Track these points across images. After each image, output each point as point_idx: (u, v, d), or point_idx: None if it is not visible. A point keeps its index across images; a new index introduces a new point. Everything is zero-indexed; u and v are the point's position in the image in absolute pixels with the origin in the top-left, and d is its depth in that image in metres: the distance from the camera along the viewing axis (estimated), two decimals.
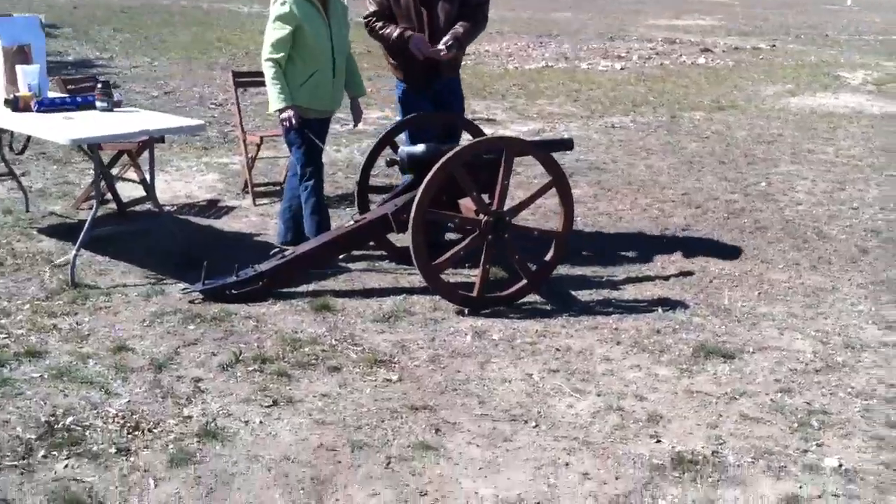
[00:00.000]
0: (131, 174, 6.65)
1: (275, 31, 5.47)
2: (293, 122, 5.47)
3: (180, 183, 7.42)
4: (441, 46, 5.67)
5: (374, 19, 5.79)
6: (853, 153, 9.36)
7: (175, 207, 6.71)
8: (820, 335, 4.83)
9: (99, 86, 5.80)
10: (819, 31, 24.90)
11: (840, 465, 3.55)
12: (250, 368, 4.19)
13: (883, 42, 22.28)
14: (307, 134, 5.60)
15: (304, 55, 5.51)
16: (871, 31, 25.48)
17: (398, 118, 6.09)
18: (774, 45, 20.46)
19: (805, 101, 12.85)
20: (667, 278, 5.60)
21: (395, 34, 5.71)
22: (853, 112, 12.00)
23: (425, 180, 4.88)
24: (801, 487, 3.41)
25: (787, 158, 9.04)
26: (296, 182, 5.80)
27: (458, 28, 5.74)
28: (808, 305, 5.25)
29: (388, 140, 5.89)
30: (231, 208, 6.79)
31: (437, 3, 5.72)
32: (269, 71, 5.49)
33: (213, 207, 6.82)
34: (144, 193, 6.47)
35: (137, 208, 6.50)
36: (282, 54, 5.45)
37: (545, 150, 5.32)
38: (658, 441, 3.71)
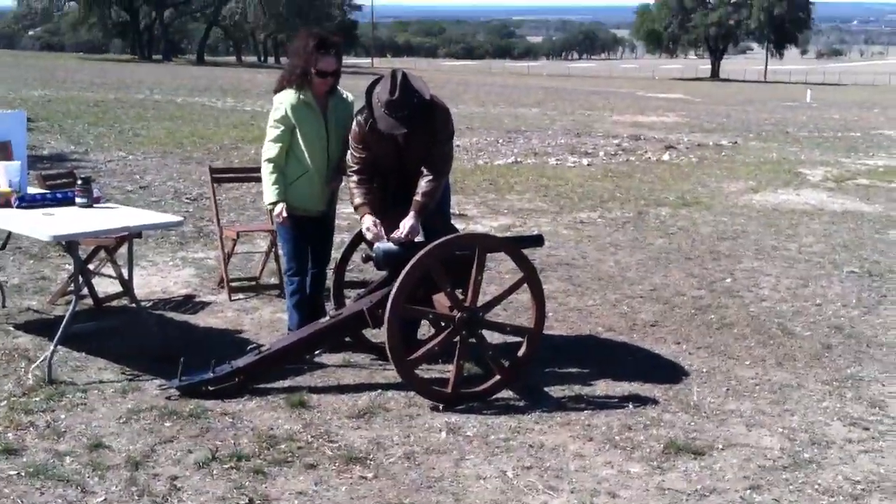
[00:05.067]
0: (108, 269, 6.72)
1: (270, 131, 5.71)
2: (283, 216, 5.63)
3: (156, 278, 7.48)
4: (402, 232, 5.29)
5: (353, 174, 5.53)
6: (815, 250, 9.60)
7: (151, 303, 6.76)
8: (787, 432, 4.93)
9: (79, 182, 5.90)
10: (780, 128, 25.62)
11: None
12: (226, 466, 4.22)
13: (841, 139, 22.94)
14: (292, 232, 5.72)
15: (298, 155, 5.69)
16: (829, 128, 26.24)
17: None
18: (737, 143, 21.01)
19: (767, 197, 13.17)
20: (636, 374, 5.69)
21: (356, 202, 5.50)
22: (814, 209, 12.32)
23: (401, 276, 4.97)
24: None
25: (751, 255, 9.26)
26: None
27: (421, 194, 5.37)
28: (774, 402, 5.36)
29: (362, 236, 5.98)
30: (207, 304, 6.85)
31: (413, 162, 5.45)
32: (264, 168, 5.70)
33: (188, 303, 6.88)
34: (121, 289, 6.54)
35: (113, 303, 6.56)
36: (276, 153, 5.65)
37: (517, 247, 5.44)
38: None
